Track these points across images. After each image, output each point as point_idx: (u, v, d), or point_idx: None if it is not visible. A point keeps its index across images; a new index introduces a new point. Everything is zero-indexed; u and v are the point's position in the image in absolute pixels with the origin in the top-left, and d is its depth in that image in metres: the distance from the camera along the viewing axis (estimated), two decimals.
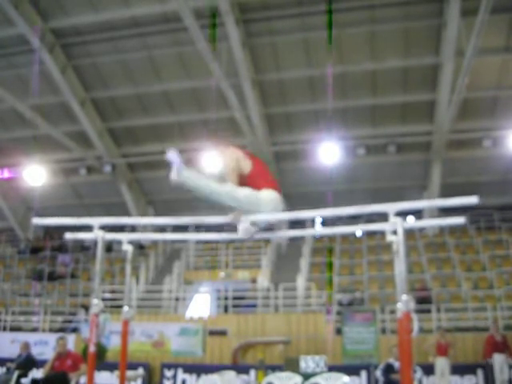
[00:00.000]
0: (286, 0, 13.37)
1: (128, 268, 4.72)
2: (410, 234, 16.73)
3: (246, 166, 4.36)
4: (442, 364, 10.58)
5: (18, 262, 19.70)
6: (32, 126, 16.31)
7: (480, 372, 11.36)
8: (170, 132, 17.53)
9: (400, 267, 3.48)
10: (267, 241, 18.23)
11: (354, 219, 16.08)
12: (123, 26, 14.27)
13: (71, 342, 12.48)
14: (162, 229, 18.10)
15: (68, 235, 4.62)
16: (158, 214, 20.27)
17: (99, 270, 4.29)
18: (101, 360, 11.25)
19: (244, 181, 4.30)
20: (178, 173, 4.21)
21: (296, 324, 13.40)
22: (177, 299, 15.42)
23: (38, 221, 4.84)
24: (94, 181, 19.41)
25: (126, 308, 4.53)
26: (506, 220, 17.57)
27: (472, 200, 3.57)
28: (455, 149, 16.63)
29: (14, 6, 12.94)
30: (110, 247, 17.69)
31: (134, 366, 12.15)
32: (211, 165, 15.13)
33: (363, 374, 11.65)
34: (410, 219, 4.06)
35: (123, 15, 13.85)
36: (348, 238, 18.05)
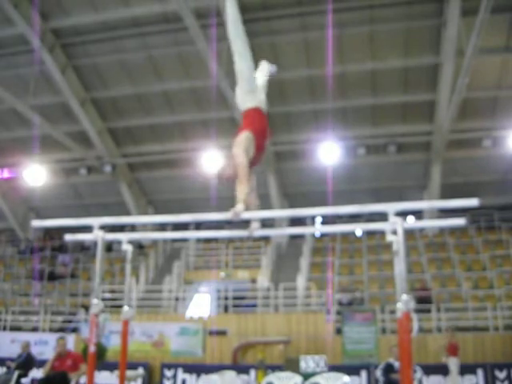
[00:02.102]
0: (286, 0, 13.36)
1: (128, 268, 4.73)
2: (409, 233, 16.74)
3: (251, 137, 4.40)
4: (454, 363, 10.64)
5: (18, 262, 19.70)
6: (32, 126, 16.32)
7: (480, 372, 11.36)
8: (170, 132, 17.54)
9: (400, 267, 3.49)
10: (267, 240, 18.25)
11: (354, 219, 16.12)
12: (123, 26, 14.26)
13: (71, 342, 12.50)
14: (162, 228, 18.13)
15: (68, 237, 4.62)
16: (158, 213, 20.27)
17: (99, 269, 4.29)
18: (101, 360, 11.26)
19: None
20: None
21: (296, 324, 13.40)
22: (177, 299, 15.43)
23: (37, 223, 4.82)
24: (94, 181, 19.41)
25: (125, 308, 4.53)
26: (506, 220, 17.56)
27: (472, 202, 3.57)
28: (455, 149, 16.63)
29: (13, 6, 12.94)
30: (109, 247, 17.71)
31: (134, 366, 12.15)
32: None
33: (363, 373, 11.66)
34: (410, 219, 4.06)
35: (123, 15, 13.85)
36: (348, 237, 18.06)
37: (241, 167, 4.18)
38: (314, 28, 13.58)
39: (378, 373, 10.10)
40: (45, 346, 13.53)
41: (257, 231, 4.34)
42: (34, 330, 15.13)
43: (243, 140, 4.32)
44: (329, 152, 15.48)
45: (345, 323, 12.72)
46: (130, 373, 10.02)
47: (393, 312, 12.63)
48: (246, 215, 4.02)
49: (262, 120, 4.55)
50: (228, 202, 4.49)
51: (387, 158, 16.78)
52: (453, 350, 10.81)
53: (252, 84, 4.59)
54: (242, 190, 4.12)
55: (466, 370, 11.45)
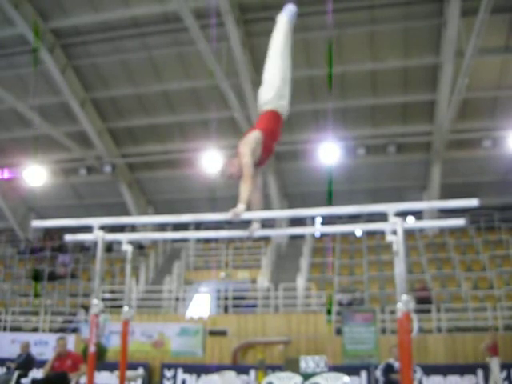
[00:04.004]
0: (286, 0, 13.34)
1: (128, 268, 4.73)
2: (410, 234, 16.75)
3: (259, 137, 4.39)
4: (496, 363, 10.69)
5: (18, 262, 19.70)
6: (32, 126, 16.32)
7: (480, 372, 11.36)
8: (170, 132, 17.54)
9: (400, 267, 3.48)
10: (267, 241, 18.25)
11: (353, 219, 16.12)
12: (123, 26, 14.27)
13: (71, 342, 12.49)
14: (162, 228, 18.15)
15: (68, 237, 4.61)
16: (158, 214, 20.28)
17: (99, 270, 4.29)
18: (101, 360, 11.27)
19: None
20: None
21: (296, 324, 13.40)
22: (177, 299, 15.43)
23: (37, 223, 4.81)
24: (93, 181, 19.42)
25: (126, 308, 4.53)
26: (506, 220, 17.57)
27: (472, 202, 3.57)
28: (455, 149, 16.64)
29: (13, 6, 12.94)
30: (110, 247, 17.71)
31: (134, 366, 12.14)
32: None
33: (363, 374, 11.65)
34: (410, 219, 4.06)
35: (123, 15, 13.85)
36: (348, 237, 18.06)
37: (246, 167, 4.16)
38: (314, 28, 13.58)
39: (378, 373, 10.09)
40: (45, 347, 13.54)
41: (257, 231, 4.33)
42: (34, 330, 15.13)
43: (252, 140, 4.32)
44: (329, 152, 15.48)
45: (345, 323, 12.72)
46: (130, 373, 10.02)
47: (393, 312, 12.63)
48: (245, 215, 4.02)
49: (277, 124, 4.53)
50: (228, 202, 4.49)
51: (387, 158, 16.78)
52: (494, 350, 10.86)
53: (280, 92, 4.54)
54: (245, 190, 4.10)
55: (466, 369, 11.46)
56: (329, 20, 11.32)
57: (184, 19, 12.30)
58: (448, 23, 12.33)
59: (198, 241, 18.44)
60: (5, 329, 15.29)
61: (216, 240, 18.50)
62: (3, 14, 13.41)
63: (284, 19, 4.77)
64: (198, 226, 17.40)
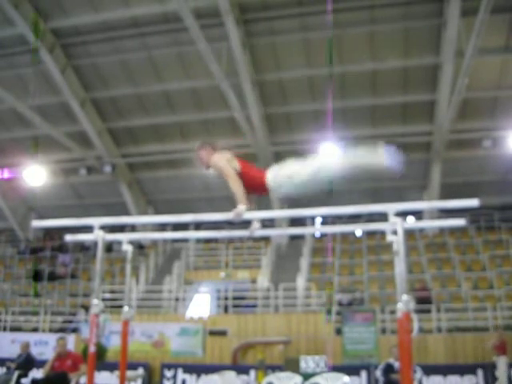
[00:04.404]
0: (286, 0, 13.37)
1: (128, 268, 4.73)
2: (410, 234, 16.73)
3: (235, 164, 4.39)
4: (503, 362, 10.68)
5: (18, 262, 19.70)
6: (32, 126, 16.32)
7: (480, 372, 11.36)
8: (170, 132, 17.54)
9: (400, 267, 3.49)
10: (267, 241, 18.25)
11: (353, 219, 16.11)
12: (123, 26, 14.27)
13: (71, 342, 12.49)
14: (162, 228, 18.14)
15: (68, 237, 4.61)
16: (158, 213, 20.27)
17: (99, 270, 4.29)
18: (101, 360, 11.26)
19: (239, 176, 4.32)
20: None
21: (296, 324, 13.40)
22: (177, 299, 15.43)
23: (37, 223, 4.82)
24: (94, 181, 19.41)
25: (126, 308, 4.53)
26: (506, 220, 17.56)
27: (472, 202, 3.57)
28: (455, 149, 16.64)
29: (13, 6, 12.95)
30: (110, 247, 17.70)
31: (134, 366, 12.15)
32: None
33: (363, 374, 11.65)
34: (410, 219, 4.07)
35: (123, 15, 13.85)
36: (348, 237, 18.05)
37: (223, 169, 4.26)
38: (314, 28, 13.58)
39: (378, 373, 10.09)
40: (45, 347, 13.54)
41: (257, 231, 4.34)
42: (34, 330, 15.12)
43: (229, 161, 4.33)
44: (329, 152, 15.47)
45: (345, 323, 12.72)
46: (130, 373, 10.02)
47: (393, 312, 12.62)
48: (246, 215, 4.02)
49: (256, 188, 4.37)
50: (227, 202, 4.49)
51: None
52: (502, 349, 10.85)
53: (287, 187, 4.30)
54: (236, 189, 4.11)
55: (465, 369, 11.45)
56: (329, 20, 11.30)
57: (184, 19, 12.29)
58: (448, 23, 12.33)
59: (198, 241, 18.44)
60: (5, 329, 15.29)
61: (216, 240, 18.51)
62: (3, 14, 13.42)
63: (381, 160, 4.08)
64: (198, 226, 17.40)
